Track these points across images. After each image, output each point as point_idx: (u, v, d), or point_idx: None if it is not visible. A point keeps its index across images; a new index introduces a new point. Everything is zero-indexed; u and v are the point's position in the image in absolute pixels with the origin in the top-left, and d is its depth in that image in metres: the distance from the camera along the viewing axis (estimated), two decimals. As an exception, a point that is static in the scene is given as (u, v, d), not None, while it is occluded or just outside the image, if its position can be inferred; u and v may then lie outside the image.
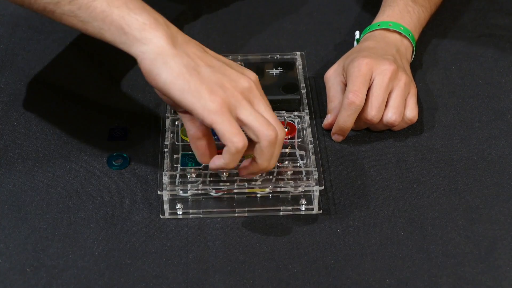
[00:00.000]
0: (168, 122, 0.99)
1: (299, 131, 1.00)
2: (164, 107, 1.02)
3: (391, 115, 0.99)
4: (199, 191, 0.93)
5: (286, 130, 0.99)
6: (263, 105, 0.86)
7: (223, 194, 0.94)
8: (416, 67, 1.12)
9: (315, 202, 0.93)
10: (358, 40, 1.09)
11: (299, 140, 0.99)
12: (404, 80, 1.00)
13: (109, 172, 0.98)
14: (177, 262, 0.88)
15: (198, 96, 0.82)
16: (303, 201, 0.93)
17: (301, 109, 1.02)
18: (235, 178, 0.94)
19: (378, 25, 1.07)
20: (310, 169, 0.94)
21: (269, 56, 1.08)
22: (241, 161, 0.88)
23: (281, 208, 0.94)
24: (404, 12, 1.08)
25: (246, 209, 0.93)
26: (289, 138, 0.99)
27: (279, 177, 0.95)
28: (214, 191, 0.94)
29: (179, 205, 0.93)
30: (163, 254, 0.89)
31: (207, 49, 0.88)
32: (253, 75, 0.88)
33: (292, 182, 0.94)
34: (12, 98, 1.07)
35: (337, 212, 0.93)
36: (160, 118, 1.03)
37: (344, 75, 1.01)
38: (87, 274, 0.87)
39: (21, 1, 0.89)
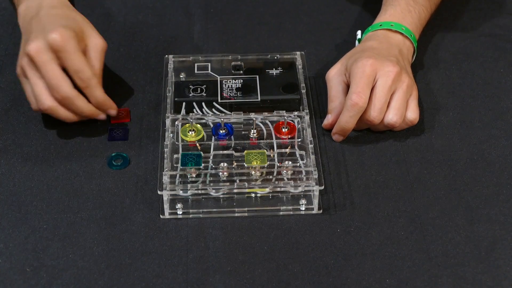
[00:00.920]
0: (168, 122, 0.99)
1: (299, 131, 1.00)
2: (164, 107, 1.02)
3: (392, 117, 0.99)
4: (199, 191, 0.93)
5: (286, 130, 0.99)
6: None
7: (223, 194, 0.94)
8: (417, 67, 1.12)
9: (315, 202, 0.93)
10: (359, 40, 1.09)
11: (299, 140, 0.99)
12: (407, 82, 1.00)
13: (109, 172, 0.98)
14: (177, 262, 0.88)
15: None
16: (303, 201, 0.93)
17: (301, 109, 1.02)
18: (235, 178, 0.94)
19: (380, 25, 1.06)
20: (310, 169, 0.94)
21: (269, 56, 1.08)
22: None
23: (281, 208, 0.94)
24: (405, 12, 1.08)
25: (246, 209, 0.93)
26: (289, 138, 0.99)
27: (279, 177, 0.95)
28: (214, 191, 0.94)
29: (179, 205, 0.93)
30: (163, 254, 0.89)
31: None
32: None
33: (292, 182, 0.94)
34: (12, 98, 1.07)
35: (337, 212, 0.93)
36: (160, 118, 1.03)
37: (347, 75, 1.01)
38: (87, 274, 0.87)
39: None
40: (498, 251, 0.89)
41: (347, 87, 1.00)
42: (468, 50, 1.16)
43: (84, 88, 0.98)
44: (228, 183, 0.93)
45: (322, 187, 0.92)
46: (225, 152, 0.97)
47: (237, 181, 0.94)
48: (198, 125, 0.99)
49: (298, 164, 0.96)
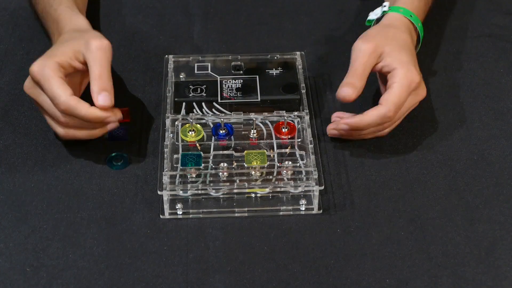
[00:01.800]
0: (168, 122, 0.99)
1: (299, 131, 1.00)
2: (164, 107, 1.02)
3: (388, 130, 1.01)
4: (199, 191, 0.93)
5: (286, 130, 0.99)
6: None
7: (223, 194, 0.94)
8: (416, 67, 1.12)
9: (315, 202, 0.93)
10: (371, 22, 1.07)
11: (299, 140, 0.99)
12: (421, 97, 1.00)
13: (109, 172, 0.98)
14: (177, 262, 0.88)
15: None
16: (303, 201, 0.93)
17: (301, 109, 1.02)
18: (235, 178, 0.94)
19: (401, 10, 1.04)
20: (310, 169, 0.94)
21: (269, 56, 1.08)
22: None
23: (281, 208, 0.94)
24: (415, 1, 1.07)
25: (246, 209, 0.93)
26: (289, 138, 0.99)
27: (279, 177, 0.95)
28: (214, 191, 0.94)
29: (179, 205, 0.93)
30: (163, 254, 0.89)
31: None
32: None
33: (292, 182, 0.94)
34: (12, 98, 1.07)
35: (337, 212, 0.93)
36: (160, 118, 1.03)
37: (384, 67, 0.99)
38: (87, 274, 0.87)
39: None
40: (498, 251, 0.89)
41: (377, 71, 1.00)
42: (468, 50, 1.16)
43: (67, 112, 0.93)
44: (228, 183, 0.93)
45: (322, 187, 0.92)
46: (225, 152, 0.97)
47: (237, 181, 0.94)
48: (198, 125, 0.99)
49: (298, 164, 0.96)
